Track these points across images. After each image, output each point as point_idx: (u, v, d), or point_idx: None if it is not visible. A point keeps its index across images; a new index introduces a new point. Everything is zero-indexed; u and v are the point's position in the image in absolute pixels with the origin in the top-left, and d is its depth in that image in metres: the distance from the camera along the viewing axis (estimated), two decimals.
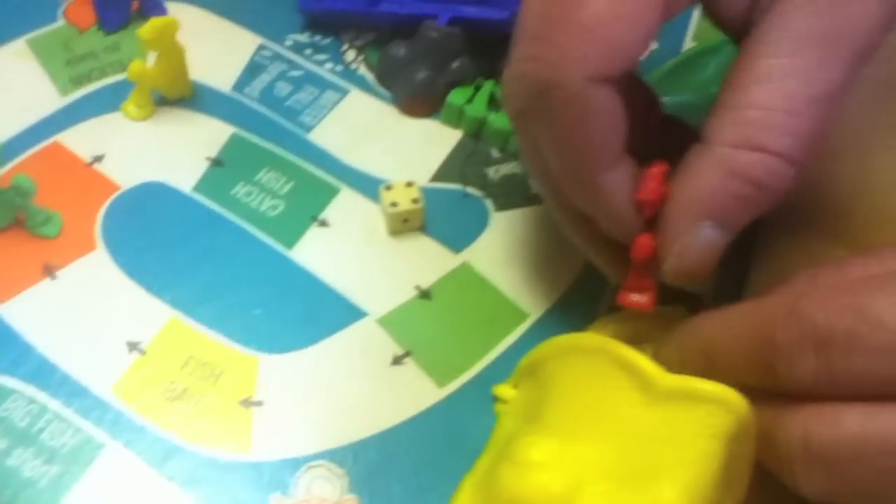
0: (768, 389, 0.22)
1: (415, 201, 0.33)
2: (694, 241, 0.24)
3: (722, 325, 0.23)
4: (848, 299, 0.20)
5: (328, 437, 0.29)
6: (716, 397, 0.22)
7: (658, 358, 0.24)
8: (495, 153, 0.37)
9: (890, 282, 0.20)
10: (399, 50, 0.38)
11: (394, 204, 0.33)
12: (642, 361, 0.22)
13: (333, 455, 0.29)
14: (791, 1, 0.23)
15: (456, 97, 0.38)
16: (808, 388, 0.21)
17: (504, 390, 0.28)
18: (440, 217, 0.35)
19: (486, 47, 0.38)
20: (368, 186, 0.35)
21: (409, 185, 0.34)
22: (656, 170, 0.25)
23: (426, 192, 0.35)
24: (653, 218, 0.25)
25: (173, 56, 0.35)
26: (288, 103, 0.38)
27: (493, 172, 0.37)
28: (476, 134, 0.38)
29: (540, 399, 0.25)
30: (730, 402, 0.21)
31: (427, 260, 0.34)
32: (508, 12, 0.37)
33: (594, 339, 0.25)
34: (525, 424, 0.25)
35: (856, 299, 0.20)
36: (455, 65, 0.37)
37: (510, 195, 0.36)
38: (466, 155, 0.37)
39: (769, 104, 0.23)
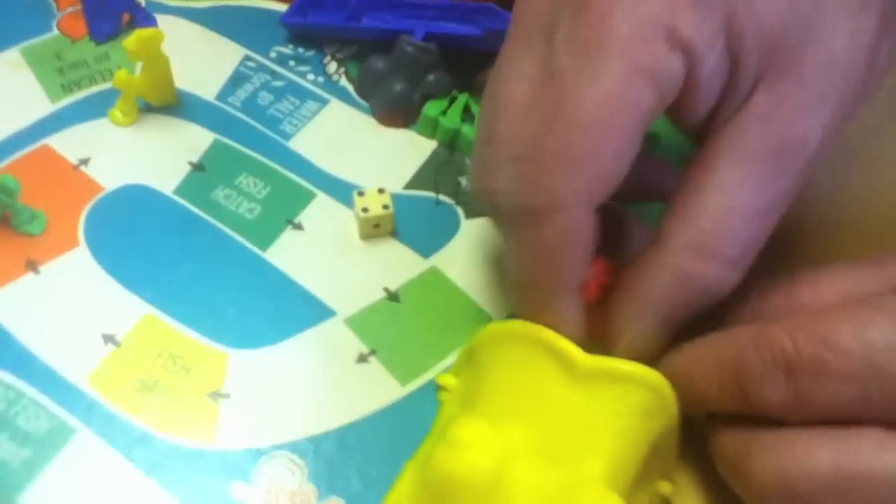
0: (742, 414, 0.23)
1: (385, 207, 0.35)
2: (640, 334, 0.25)
3: (694, 355, 0.25)
4: (815, 327, 0.22)
5: (291, 429, 0.30)
6: (634, 376, 0.23)
7: None
8: (469, 163, 0.39)
9: (851, 311, 0.22)
10: (377, 63, 0.40)
11: (365, 209, 0.35)
12: (565, 344, 0.24)
13: (295, 447, 0.30)
14: (746, 117, 0.24)
15: (431, 109, 0.39)
16: (779, 412, 0.22)
17: (446, 379, 0.29)
18: (412, 223, 0.36)
19: (461, 61, 0.40)
20: (343, 193, 0.36)
21: (381, 191, 0.35)
22: (598, 268, 0.27)
23: (399, 198, 0.36)
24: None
25: (158, 66, 0.37)
26: (269, 112, 0.39)
27: (466, 181, 0.38)
28: (450, 144, 0.39)
29: (475, 385, 0.26)
30: (647, 380, 0.23)
31: (396, 264, 0.35)
32: (481, 29, 0.39)
33: (521, 325, 0.26)
34: (462, 410, 0.26)
35: (822, 328, 0.21)
36: (430, 78, 0.39)
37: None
38: (440, 164, 0.39)
39: (721, 215, 0.24)
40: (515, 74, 0.25)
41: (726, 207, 0.24)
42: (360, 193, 0.35)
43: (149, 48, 0.36)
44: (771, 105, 0.24)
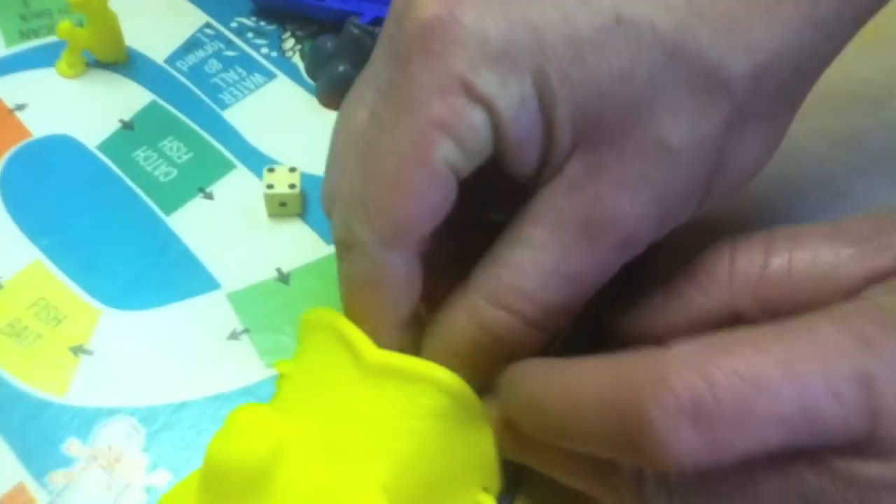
0: (619, 462, 0.21)
1: (292, 186, 0.34)
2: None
3: (571, 385, 0.21)
4: (731, 362, 0.18)
5: (143, 395, 0.30)
6: (424, 376, 0.21)
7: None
8: None
9: (770, 340, 0.19)
10: (326, 43, 0.39)
11: (271, 185, 0.34)
12: (355, 335, 0.22)
13: (142, 413, 0.29)
14: (559, 181, 0.23)
15: None
16: (683, 466, 0.18)
17: (282, 365, 0.28)
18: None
19: None
20: (263, 168, 0.36)
21: (293, 170, 0.34)
22: None
23: (317, 181, 0.36)
24: None
25: (104, 21, 0.37)
26: (213, 80, 0.39)
27: None
28: None
29: (290, 373, 0.25)
30: (441, 382, 0.21)
31: (296, 246, 0.34)
32: None
33: (325, 314, 0.25)
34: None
35: (743, 362, 0.18)
36: None
37: None
38: None
39: (521, 269, 0.23)
40: (359, 99, 0.25)
41: (527, 264, 0.23)
42: (271, 170, 0.34)
43: (92, 3, 0.36)
44: (584, 175, 0.22)
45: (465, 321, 0.24)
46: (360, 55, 0.38)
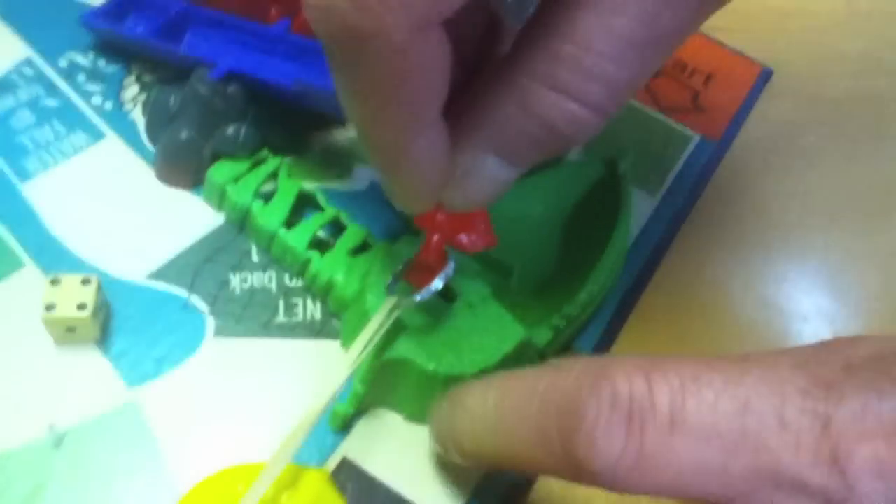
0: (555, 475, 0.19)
1: (81, 307, 0.25)
2: (477, 171, 0.21)
3: (507, 387, 0.21)
4: (678, 368, 0.18)
5: None
6: None
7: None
8: (256, 253, 0.28)
9: (724, 362, 0.18)
10: (168, 97, 0.29)
11: (51, 307, 0.25)
12: None
13: None
14: None
15: (219, 171, 0.29)
16: (607, 474, 0.18)
17: None
18: (133, 330, 0.26)
19: (287, 116, 0.30)
20: (63, 270, 0.26)
21: (87, 281, 0.25)
22: (437, 242, 0.24)
23: (132, 291, 0.26)
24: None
25: None
26: (20, 139, 0.30)
27: (239, 281, 0.28)
28: (241, 224, 0.29)
29: None
30: None
31: (83, 389, 0.25)
32: (293, 78, 0.28)
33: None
34: None
35: (688, 369, 0.18)
36: (228, 130, 0.29)
37: (245, 320, 0.27)
38: (215, 250, 0.28)
39: (588, 42, 0.19)
40: None
41: (596, 34, 0.19)
42: (54, 281, 0.25)
43: None
44: None
45: (514, 112, 0.20)
46: (206, 119, 0.29)
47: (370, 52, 0.17)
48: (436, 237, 0.24)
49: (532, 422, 0.19)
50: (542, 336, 0.26)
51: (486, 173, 0.21)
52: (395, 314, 0.24)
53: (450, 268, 0.24)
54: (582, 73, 0.19)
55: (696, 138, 0.34)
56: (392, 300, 0.24)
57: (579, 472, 0.18)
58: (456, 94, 0.20)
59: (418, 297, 0.24)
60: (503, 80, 0.20)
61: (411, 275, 0.25)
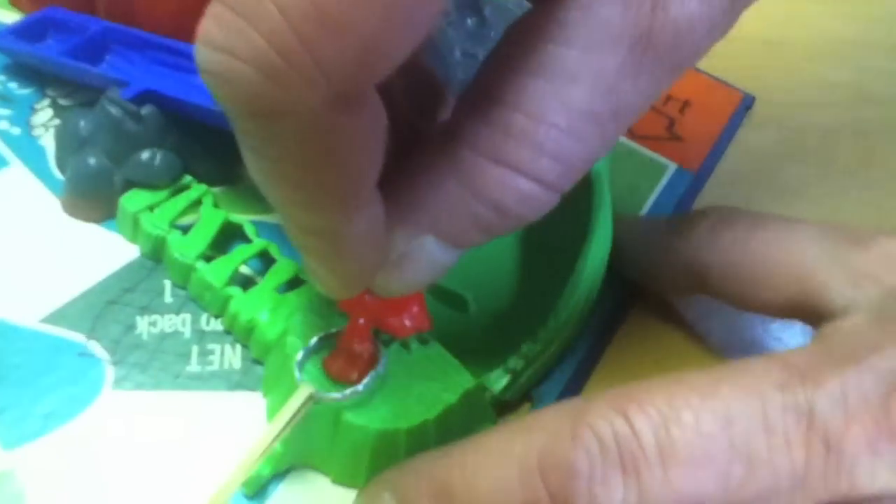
0: None
1: None
2: (414, 254, 0.19)
3: (480, 451, 0.18)
4: (652, 400, 0.17)
5: None
6: None
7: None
8: (170, 293, 0.25)
9: (695, 376, 0.17)
10: (79, 122, 0.26)
11: None
12: None
13: None
14: None
15: (133, 199, 0.25)
16: None
17: None
18: (19, 382, 0.22)
19: (215, 144, 0.27)
20: None
21: None
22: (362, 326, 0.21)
23: (20, 337, 0.23)
24: None
25: None
26: None
27: (147, 325, 0.24)
28: (156, 258, 0.25)
29: None
30: None
31: None
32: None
33: None
34: None
35: (661, 399, 0.17)
36: (143, 156, 0.25)
37: (151, 369, 0.23)
38: (122, 290, 0.25)
39: (542, 112, 0.17)
40: None
41: (552, 103, 0.17)
42: None
43: None
44: None
45: (456, 190, 0.17)
46: (118, 144, 0.25)
47: (287, 129, 0.14)
48: (361, 320, 0.21)
49: (515, 494, 0.17)
50: (497, 381, 0.23)
51: (425, 256, 0.19)
52: (309, 406, 0.21)
53: (381, 365, 0.21)
54: (533, 146, 0.17)
55: (672, 167, 0.31)
56: (308, 389, 0.20)
57: None
58: (389, 165, 0.17)
59: (339, 396, 0.20)
60: (443, 152, 0.18)
61: (331, 359, 0.21)
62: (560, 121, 0.17)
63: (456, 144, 0.17)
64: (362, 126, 0.15)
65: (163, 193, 0.26)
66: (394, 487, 0.18)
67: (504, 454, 0.17)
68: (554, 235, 0.26)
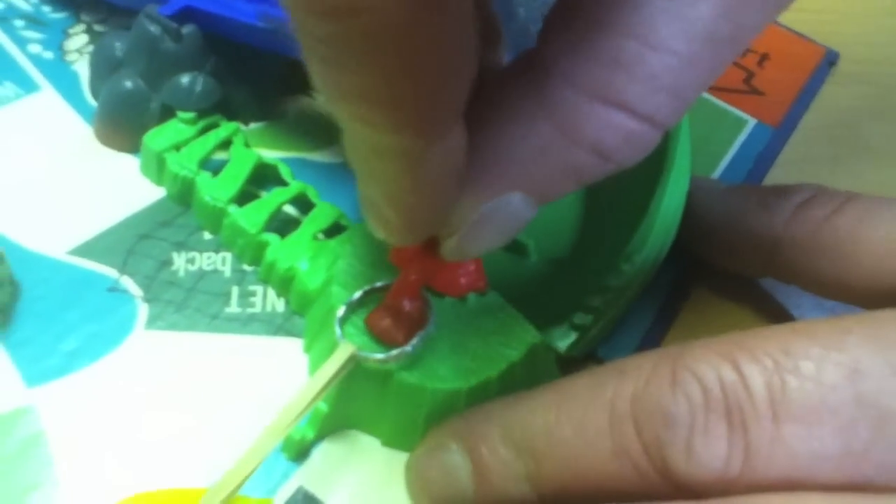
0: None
1: None
2: (496, 214, 0.16)
3: (563, 400, 0.16)
4: (765, 345, 0.15)
5: None
6: None
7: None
8: (208, 233, 0.23)
9: (812, 323, 0.15)
10: (114, 43, 0.24)
11: None
12: None
13: None
14: None
15: (157, 137, 0.23)
16: (712, 483, 0.14)
17: None
18: (43, 316, 0.20)
19: (255, 73, 0.25)
20: None
21: None
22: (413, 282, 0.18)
23: (47, 268, 0.21)
24: None
25: None
26: None
27: (184, 262, 0.22)
28: (184, 201, 0.23)
29: None
30: None
31: None
32: (259, 14, 0.23)
33: None
34: None
35: (775, 344, 0.15)
36: (183, 80, 0.23)
37: (187, 309, 0.21)
38: (157, 224, 0.23)
39: (661, 37, 0.14)
40: None
41: (667, 25, 0.14)
42: None
43: None
44: None
45: (554, 139, 0.15)
46: (156, 65, 0.23)
47: (367, 28, 0.12)
48: (413, 276, 0.18)
49: (604, 442, 0.16)
50: (564, 338, 0.21)
51: (509, 214, 0.16)
52: (351, 367, 0.19)
53: (431, 325, 0.19)
54: (647, 79, 0.15)
55: (752, 122, 0.29)
56: (349, 348, 0.18)
57: (678, 488, 0.15)
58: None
59: (385, 357, 0.18)
60: (527, 93, 0.15)
61: (375, 316, 0.19)
62: (680, 47, 0.14)
63: (547, 81, 0.15)
64: (451, 26, 0.12)
65: (190, 131, 0.24)
66: (461, 436, 0.16)
67: (593, 398, 0.16)
68: (623, 182, 0.23)
